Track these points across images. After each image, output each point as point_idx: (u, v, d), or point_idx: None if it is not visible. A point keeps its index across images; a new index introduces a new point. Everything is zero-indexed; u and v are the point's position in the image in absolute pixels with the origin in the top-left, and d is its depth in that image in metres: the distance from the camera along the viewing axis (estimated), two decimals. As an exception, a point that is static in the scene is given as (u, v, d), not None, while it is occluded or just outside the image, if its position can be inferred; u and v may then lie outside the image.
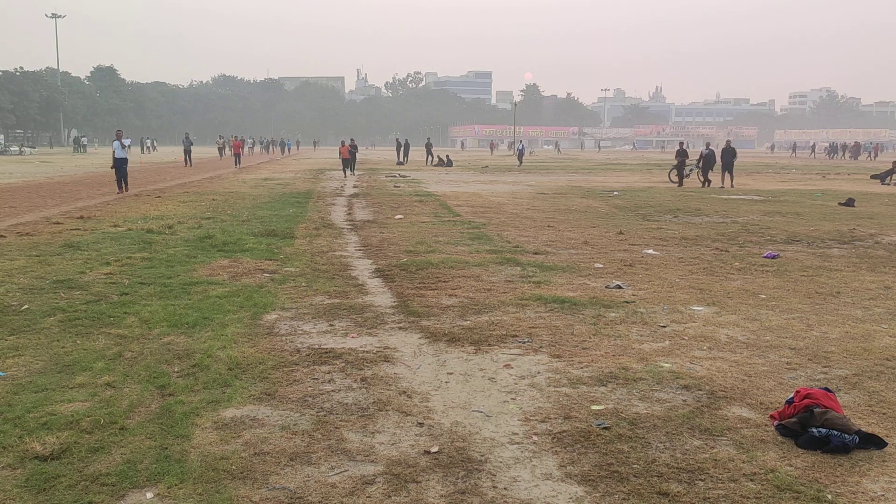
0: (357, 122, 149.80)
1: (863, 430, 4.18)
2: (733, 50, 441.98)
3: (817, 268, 9.78)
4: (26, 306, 7.06)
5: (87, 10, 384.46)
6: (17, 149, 63.79)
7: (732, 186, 26.70)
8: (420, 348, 5.95)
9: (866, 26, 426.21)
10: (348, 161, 33.68)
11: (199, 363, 5.40)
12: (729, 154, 27.77)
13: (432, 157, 47.76)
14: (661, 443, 4.12)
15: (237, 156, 42.43)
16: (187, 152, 42.47)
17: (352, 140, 36.83)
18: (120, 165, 21.95)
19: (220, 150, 55.84)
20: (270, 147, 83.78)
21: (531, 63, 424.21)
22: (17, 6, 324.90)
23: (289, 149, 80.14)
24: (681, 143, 29.52)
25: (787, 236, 12.97)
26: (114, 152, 22.06)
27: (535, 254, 10.79)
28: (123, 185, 21.97)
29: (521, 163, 47.84)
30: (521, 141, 55.79)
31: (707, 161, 27.50)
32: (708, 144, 28.72)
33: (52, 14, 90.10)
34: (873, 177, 31.55)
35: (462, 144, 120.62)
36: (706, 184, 27.33)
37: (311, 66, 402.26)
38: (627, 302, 7.61)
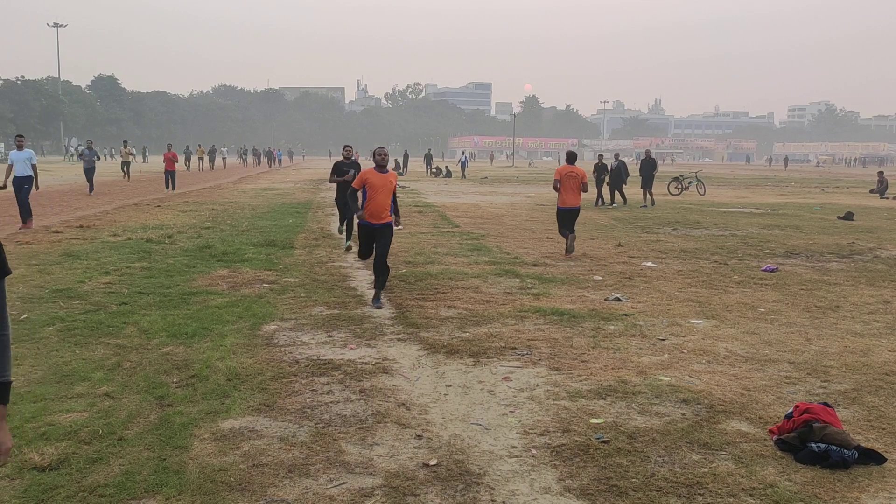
0: (357, 133, 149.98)
1: (862, 445, 4.18)
2: (732, 63, 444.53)
3: (816, 281, 9.79)
4: (25, 315, 7.05)
5: (88, 19, 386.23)
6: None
7: (653, 204, 22.71)
8: (419, 360, 5.95)
9: (865, 40, 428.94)
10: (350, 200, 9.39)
11: (197, 374, 5.39)
12: (648, 167, 23.50)
13: (431, 168, 48.05)
14: (660, 457, 4.12)
15: (169, 174, 27.36)
16: (89, 171, 25.19)
17: (351, 153, 13.05)
18: (19, 187, 14.54)
19: (125, 165, 34.69)
20: (247, 157, 69.48)
21: (531, 75, 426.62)
22: (19, 15, 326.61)
23: (279, 160, 69.55)
24: (600, 157, 24.62)
25: (786, 250, 12.99)
26: (10, 167, 14.74)
27: (534, 265, 10.80)
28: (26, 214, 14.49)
29: (464, 175, 45.04)
30: (463, 152, 55.79)
31: (616, 175, 22.90)
32: (617, 156, 23.81)
33: (54, 23, 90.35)
34: (872, 191, 31.75)
35: (492, 157, 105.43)
36: (607, 203, 23.02)
37: (311, 77, 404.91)
38: (626, 315, 7.61)
